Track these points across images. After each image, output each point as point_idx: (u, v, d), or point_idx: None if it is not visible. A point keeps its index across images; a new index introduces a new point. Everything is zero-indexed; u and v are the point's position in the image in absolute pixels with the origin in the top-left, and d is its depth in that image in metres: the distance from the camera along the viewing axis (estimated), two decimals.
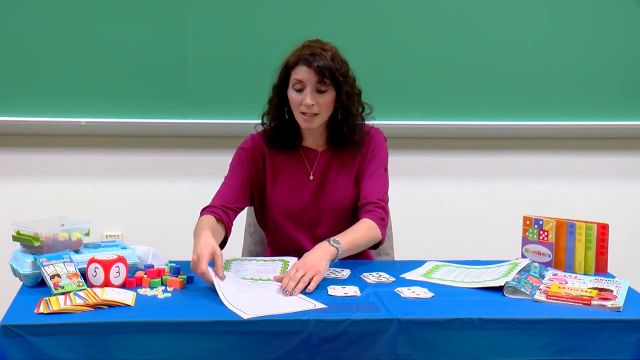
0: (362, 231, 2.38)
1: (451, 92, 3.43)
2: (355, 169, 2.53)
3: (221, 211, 2.43)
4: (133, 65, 3.32)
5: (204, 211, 2.44)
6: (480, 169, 3.62)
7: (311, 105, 2.40)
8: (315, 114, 2.42)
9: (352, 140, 2.50)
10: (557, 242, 2.36)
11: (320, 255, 2.20)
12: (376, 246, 2.46)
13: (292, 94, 2.43)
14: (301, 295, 2.04)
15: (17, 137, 3.42)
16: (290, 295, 2.05)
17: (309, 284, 2.10)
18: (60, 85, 3.30)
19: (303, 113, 2.42)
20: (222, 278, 2.10)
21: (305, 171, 2.52)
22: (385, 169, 2.55)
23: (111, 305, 1.93)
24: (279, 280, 2.14)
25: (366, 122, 2.54)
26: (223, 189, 2.51)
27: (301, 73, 2.40)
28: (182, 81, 3.33)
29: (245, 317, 1.87)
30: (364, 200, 2.47)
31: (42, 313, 1.87)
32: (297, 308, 1.94)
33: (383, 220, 2.45)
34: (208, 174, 3.46)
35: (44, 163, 3.46)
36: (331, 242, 2.27)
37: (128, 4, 3.28)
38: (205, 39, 3.32)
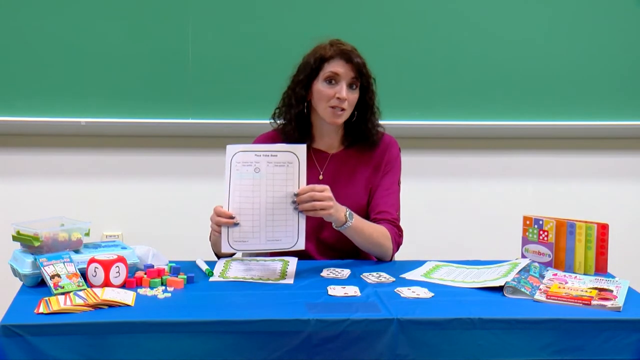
0: (377, 229, 2.42)
1: (451, 92, 3.43)
2: (366, 176, 2.53)
3: None
4: (133, 65, 3.32)
5: None
6: (480, 169, 3.62)
7: (345, 99, 2.42)
8: (343, 109, 2.44)
9: (372, 140, 2.52)
10: (557, 242, 2.36)
11: (338, 207, 2.28)
12: (380, 260, 2.48)
13: (321, 87, 2.44)
14: (302, 225, 2.18)
15: (17, 137, 3.42)
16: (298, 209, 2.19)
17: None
18: (60, 85, 3.30)
19: (332, 107, 2.43)
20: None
21: (315, 172, 2.52)
22: (399, 183, 2.58)
23: (111, 305, 1.93)
24: (302, 191, 2.21)
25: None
26: None
27: (339, 66, 2.43)
28: (182, 81, 3.33)
29: (223, 250, 2.17)
30: (379, 215, 2.49)
31: (42, 313, 1.87)
32: (275, 247, 2.19)
33: (399, 237, 2.49)
34: (208, 174, 3.47)
35: (44, 163, 3.46)
36: (347, 211, 2.32)
37: (128, 4, 3.28)
38: (205, 39, 3.32)
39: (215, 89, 3.35)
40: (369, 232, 2.39)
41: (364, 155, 2.55)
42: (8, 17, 3.25)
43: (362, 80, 2.46)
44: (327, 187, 2.24)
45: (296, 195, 2.20)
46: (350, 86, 2.45)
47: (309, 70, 2.47)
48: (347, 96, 2.43)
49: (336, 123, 2.47)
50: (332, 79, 2.44)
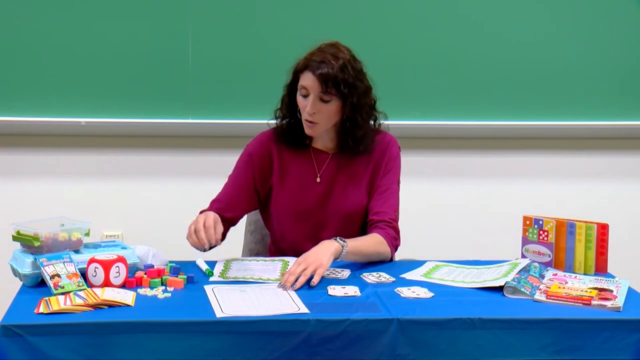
0: (370, 242, 2.39)
1: (451, 92, 3.43)
2: (366, 176, 2.52)
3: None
4: (133, 65, 3.32)
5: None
6: (480, 169, 3.62)
7: (312, 113, 2.38)
8: (316, 123, 2.40)
9: (356, 150, 2.48)
10: (557, 242, 2.36)
11: (324, 250, 2.22)
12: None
13: (299, 98, 2.42)
14: (292, 294, 2.04)
15: (17, 137, 3.42)
16: (290, 289, 2.07)
17: (312, 278, 2.11)
18: (60, 85, 3.30)
19: (305, 120, 2.41)
20: (218, 242, 2.19)
21: (313, 173, 2.51)
22: (398, 183, 2.56)
23: (111, 305, 1.93)
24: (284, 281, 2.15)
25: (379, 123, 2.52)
26: (223, 194, 2.52)
27: (306, 80, 2.38)
28: (182, 81, 3.33)
29: (218, 315, 1.88)
30: (375, 216, 2.47)
31: (42, 313, 1.87)
32: (278, 311, 1.91)
33: (395, 240, 2.46)
34: (208, 174, 3.47)
35: (44, 163, 3.46)
36: (337, 239, 2.28)
37: (128, 4, 3.28)
38: (205, 39, 3.32)
39: (215, 89, 3.35)
40: (365, 248, 2.37)
41: (363, 155, 2.53)
42: (8, 17, 3.25)
43: (337, 90, 2.36)
44: (295, 260, 2.21)
45: (280, 283, 2.12)
46: (321, 99, 2.37)
47: (289, 82, 2.46)
48: (317, 109, 2.37)
49: (311, 135, 2.46)
50: (304, 92, 2.40)
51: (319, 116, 2.39)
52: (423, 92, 3.42)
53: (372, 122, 2.49)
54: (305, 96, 2.39)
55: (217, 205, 2.47)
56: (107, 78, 3.32)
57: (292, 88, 2.45)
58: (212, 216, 2.25)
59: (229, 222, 2.48)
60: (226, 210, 2.46)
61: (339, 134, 2.49)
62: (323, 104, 2.38)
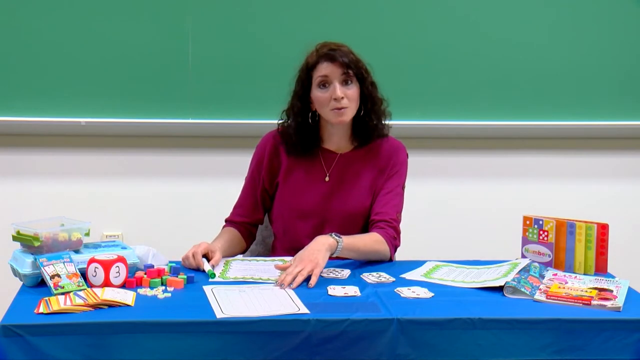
0: (367, 239, 2.41)
1: (452, 92, 3.44)
2: (371, 178, 2.53)
3: (243, 228, 2.56)
4: (133, 65, 3.32)
5: (226, 224, 2.57)
6: (480, 169, 3.62)
7: (341, 97, 2.41)
8: (345, 107, 2.43)
9: (380, 131, 2.52)
10: (557, 242, 2.36)
11: (318, 247, 2.23)
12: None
13: (318, 93, 2.44)
14: (292, 294, 2.04)
15: (17, 137, 3.42)
16: (287, 287, 2.08)
17: (309, 278, 2.12)
18: (60, 85, 3.30)
19: (333, 109, 2.43)
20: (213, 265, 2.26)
21: (321, 172, 2.52)
22: (403, 187, 2.56)
23: (111, 305, 1.93)
24: (281, 268, 2.17)
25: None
26: (242, 199, 2.59)
27: (325, 69, 2.43)
28: (182, 81, 3.33)
29: (218, 316, 1.87)
30: (376, 216, 2.48)
31: (42, 313, 1.87)
32: (278, 311, 1.91)
33: (395, 240, 2.46)
34: (208, 174, 3.47)
35: (44, 163, 3.46)
36: (332, 235, 2.29)
37: (128, 4, 3.28)
38: (205, 39, 3.32)
39: (215, 89, 3.35)
40: (361, 246, 2.38)
41: (371, 157, 2.55)
42: (8, 17, 3.25)
43: (356, 73, 2.44)
44: (287, 261, 2.26)
45: (277, 282, 2.12)
46: (344, 82, 2.43)
47: (302, 82, 2.48)
48: (344, 93, 2.42)
49: (343, 122, 2.47)
50: (324, 83, 2.43)
51: (347, 100, 2.43)
52: (423, 92, 3.42)
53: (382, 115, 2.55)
54: (325, 86, 2.43)
55: (238, 212, 2.58)
56: (107, 78, 3.32)
57: (303, 90, 2.47)
58: (202, 247, 2.32)
59: (254, 225, 2.60)
60: (249, 215, 2.57)
61: (351, 127, 2.52)
62: (346, 87, 2.43)
